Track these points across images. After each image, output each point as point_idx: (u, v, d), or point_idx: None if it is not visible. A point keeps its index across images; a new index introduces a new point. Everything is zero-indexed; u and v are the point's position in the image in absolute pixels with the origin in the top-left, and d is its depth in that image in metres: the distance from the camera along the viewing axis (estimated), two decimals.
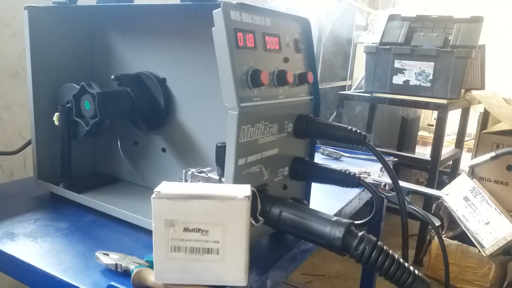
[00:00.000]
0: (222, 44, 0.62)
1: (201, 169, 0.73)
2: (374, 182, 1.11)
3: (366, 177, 1.12)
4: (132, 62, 0.92)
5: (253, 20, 0.69)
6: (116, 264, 0.64)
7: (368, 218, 0.76)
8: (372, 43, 2.56)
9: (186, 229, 0.56)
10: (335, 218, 0.62)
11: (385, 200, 1.08)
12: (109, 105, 0.81)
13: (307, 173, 0.79)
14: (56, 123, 0.86)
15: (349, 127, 0.75)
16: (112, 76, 0.84)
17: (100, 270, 0.65)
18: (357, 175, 0.75)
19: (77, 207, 0.86)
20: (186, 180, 0.74)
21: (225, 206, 0.55)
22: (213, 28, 0.63)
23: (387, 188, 1.11)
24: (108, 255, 0.66)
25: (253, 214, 0.62)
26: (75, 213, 0.85)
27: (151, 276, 0.59)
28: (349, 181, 0.76)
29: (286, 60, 0.76)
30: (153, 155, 0.93)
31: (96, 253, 0.66)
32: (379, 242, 0.59)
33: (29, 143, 0.93)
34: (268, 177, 0.72)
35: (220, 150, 0.68)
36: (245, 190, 0.57)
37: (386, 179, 1.12)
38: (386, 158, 1.37)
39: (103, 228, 0.80)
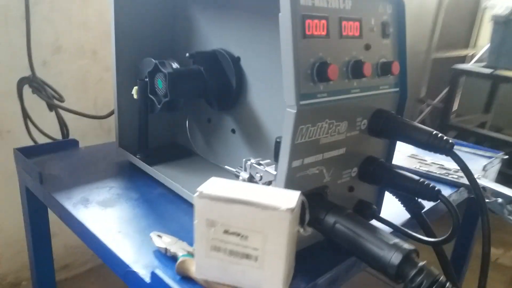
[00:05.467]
0: (287, 33, 0.56)
1: (260, 161, 0.70)
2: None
3: (458, 178, 0.98)
4: (209, 37, 0.90)
5: (328, 4, 0.61)
6: (166, 248, 0.65)
7: (443, 237, 0.66)
8: (506, 8, 2.18)
9: (226, 232, 0.54)
10: (394, 241, 0.55)
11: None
12: (180, 85, 0.80)
13: (379, 176, 0.71)
14: (135, 96, 0.89)
15: (434, 132, 0.65)
16: (187, 54, 0.83)
17: (153, 251, 0.67)
18: (436, 189, 0.65)
19: (150, 178, 0.90)
20: (245, 169, 0.72)
21: (266, 216, 0.52)
22: (280, 14, 0.57)
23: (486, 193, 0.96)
24: (161, 237, 0.68)
25: (302, 222, 0.58)
26: (146, 184, 0.89)
27: (194, 268, 0.59)
28: (426, 194, 0.66)
29: (367, 47, 0.67)
30: (224, 135, 0.92)
31: (151, 234, 0.68)
32: (441, 277, 0.51)
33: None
34: (329, 179, 0.66)
35: (278, 146, 0.63)
36: (291, 200, 0.53)
37: (484, 182, 0.97)
38: (493, 154, 1.19)
39: (168, 204, 0.82)
